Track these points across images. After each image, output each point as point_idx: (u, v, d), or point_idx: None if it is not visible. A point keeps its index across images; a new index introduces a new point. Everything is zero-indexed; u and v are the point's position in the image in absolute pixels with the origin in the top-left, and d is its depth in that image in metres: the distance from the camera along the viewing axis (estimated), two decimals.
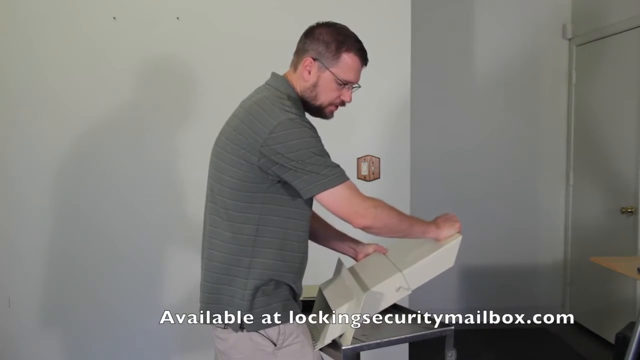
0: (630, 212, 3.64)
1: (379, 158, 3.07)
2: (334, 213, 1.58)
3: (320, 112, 1.73)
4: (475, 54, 4.38)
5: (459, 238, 1.78)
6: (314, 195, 1.56)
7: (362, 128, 3.07)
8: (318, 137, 1.60)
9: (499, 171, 4.41)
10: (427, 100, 4.22)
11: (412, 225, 1.71)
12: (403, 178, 3.08)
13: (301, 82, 1.68)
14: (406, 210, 3.08)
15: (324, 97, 1.69)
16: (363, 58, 1.71)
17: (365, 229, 1.60)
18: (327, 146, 3.26)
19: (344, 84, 1.68)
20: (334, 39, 1.66)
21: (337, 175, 1.55)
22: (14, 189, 2.94)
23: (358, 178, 3.05)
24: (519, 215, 4.43)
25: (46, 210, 2.95)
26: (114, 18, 2.92)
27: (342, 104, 1.73)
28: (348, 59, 1.67)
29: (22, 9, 2.90)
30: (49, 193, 2.95)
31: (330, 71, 1.66)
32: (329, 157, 1.58)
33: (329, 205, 1.57)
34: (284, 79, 1.70)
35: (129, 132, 2.97)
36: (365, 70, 2.98)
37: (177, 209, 2.96)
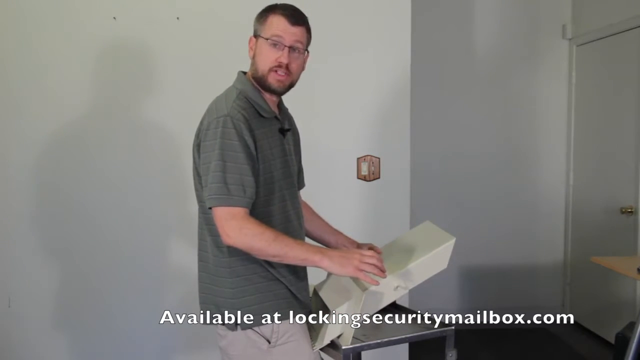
0: (630, 212, 3.64)
1: (379, 158, 3.07)
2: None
3: (265, 82, 1.70)
4: (475, 54, 4.38)
5: (453, 240, 1.78)
6: (210, 207, 1.58)
7: (362, 128, 3.07)
8: (241, 141, 1.57)
9: (499, 171, 4.41)
10: (427, 100, 4.22)
11: (288, 250, 1.55)
12: (403, 178, 3.08)
13: (250, 66, 1.74)
14: (406, 210, 3.08)
15: (261, 64, 1.69)
16: (289, 16, 1.69)
17: (234, 246, 1.57)
18: (328, 146, 3.25)
19: (276, 44, 1.67)
20: (262, 11, 1.73)
21: (224, 198, 1.54)
22: (14, 188, 2.94)
23: (358, 178, 3.05)
24: (519, 216, 4.43)
25: (46, 209, 2.95)
26: (114, 18, 2.92)
27: (281, 66, 1.67)
28: (272, 18, 1.69)
29: (23, 9, 2.90)
30: (50, 192, 2.95)
31: (261, 37, 1.69)
32: (241, 164, 1.56)
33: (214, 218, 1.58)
34: (243, 76, 1.75)
35: (130, 131, 2.97)
36: (365, 70, 3.00)
37: (178, 208, 2.96)
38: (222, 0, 3.00)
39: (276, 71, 1.68)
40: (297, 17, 1.70)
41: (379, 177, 3.08)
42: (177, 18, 2.94)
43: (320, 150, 2.92)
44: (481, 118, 4.40)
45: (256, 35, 1.72)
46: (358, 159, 3.06)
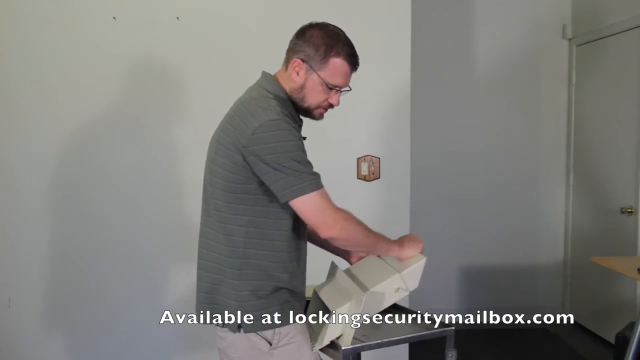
0: (630, 212, 3.64)
1: (379, 158, 3.07)
2: (304, 220, 1.60)
3: (309, 113, 1.72)
4: (475, 54, 4.38)
5: (424, 259, 1.79)
6: (288, 201, 1.56)
7: (362, 128, 3.07)
8: (299, 140, 1.59)
9: (498, 171, 4.41)
10: (427, 100, 4.22)
11: (377, 242, 1.73)
12: (403, 178, 3.08)
13: (290, 83, 1.68)
14: (406, 210, 3.09)
15: (311, 99, 1.68)
16: (353, 63, 1.68)
17: (331, 239, 1.61)
18: (328, 146, 3.26)
19: (332, 87, 1.67)
20: (323, 42, 1.63)
21: (310, 183, 1.55)
22: (14, 188, 2.94)
23: (358, 178, 3.05)
24: (519, 216, 4.43)
25: (46, 210, 2.96)
26: (114, 18, 2.92)
27: (331, 106, 1.72)
28: (336, 63, 1.64)
29: (23, 9, 2.90)
30: (49, 192, 2.95)
31: (318, 74, 1.64)
32: (306, 162, 1.58)
33: (300, 211, 1.58)
34: (273, 79, 1.70)
35: (129, 131, 2.97)
36: (365, 71, 2.97)
37: (178, 208, 2.96)
38: (222, 0, 3.00)
39: (323, 107, 1.71)
40: (357, 60, 1.69)
41: (379, 177, 3.08)
42: (177, 18, 2.94)
43: (321, 150, 2.91)
44: (481, 118, 4.39)
45: (309, 65, 1.64)
46: (358, 159, 3.06)
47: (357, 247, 1.73)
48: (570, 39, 4.37)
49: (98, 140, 2.96)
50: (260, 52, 3.00)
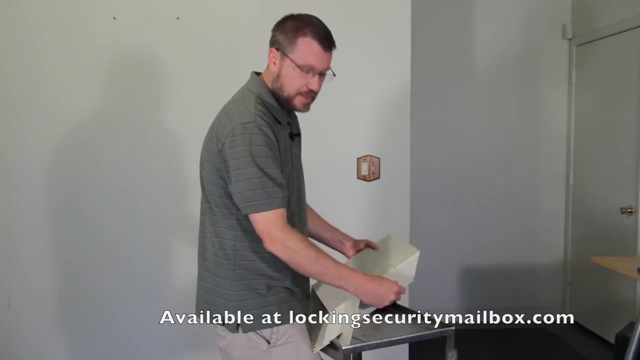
0: (630, 212, 3.64)
1: (379, 158, 3.07)
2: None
3: (290, 103, 1.67)
4: (475, 54, 4.38)
5: (417, 253, 1.80)
6: (245, 214, 1.57)
7: (362, 128, 3.07)
8: (267, 147, 1.56)
9: (499, 171, 4.41)
10: (427, 100, 4.22)
11: (324, 273, 1.59)
12: (403, 178, 3.08)
13: (270, 75, 1.68)
14: (406, 210, 3.08)
15: (289, 87, 1.65)
16: (322, 42, 1.62)
17: (274, 255, 1.58)
18: (328, 146, 3.25)
19: (307, 71, 1.63)
20: (292, 27, 1.63)
21: (266, 202, 1.53)
22: (14, 188, 2.94)
23: (358, 178, 3.05)
24: (519, 216, 4.43)
25: (46, 210, 2.95)
26: (114, 18, 2.92)
27: (312, 92, 1.67)
28: (304, 43, 1.61)
29: (23, 9, 2.90)
30: (49, 192, 2.95)
31: (290, 58, 1.62)
32: (269, 173, 1.54)
33: (252, 223, 1.57)
34: (257, 78, 1.71)
35: (129, 131, 2.97)
36: (365, 70, 3.00)
37: (178, 208, 2.96)
38: (222, 0, 3.00)
39: (304, 95, 1.66)
40: (330, 41, 1.64)
41: (379, 177, 3.08)
42: (177, 18, 2.94)
43: (321, 150, 2.92)
44: (481, 118, 4.40)
45: (281, 51, 1.63)
46: (358, 159, 3.06)
47: (301, 272, 1.62)
48: (570, 39, 4.37)
49: (98, 140, 2.96)
50: (260, 52, 2.99)
